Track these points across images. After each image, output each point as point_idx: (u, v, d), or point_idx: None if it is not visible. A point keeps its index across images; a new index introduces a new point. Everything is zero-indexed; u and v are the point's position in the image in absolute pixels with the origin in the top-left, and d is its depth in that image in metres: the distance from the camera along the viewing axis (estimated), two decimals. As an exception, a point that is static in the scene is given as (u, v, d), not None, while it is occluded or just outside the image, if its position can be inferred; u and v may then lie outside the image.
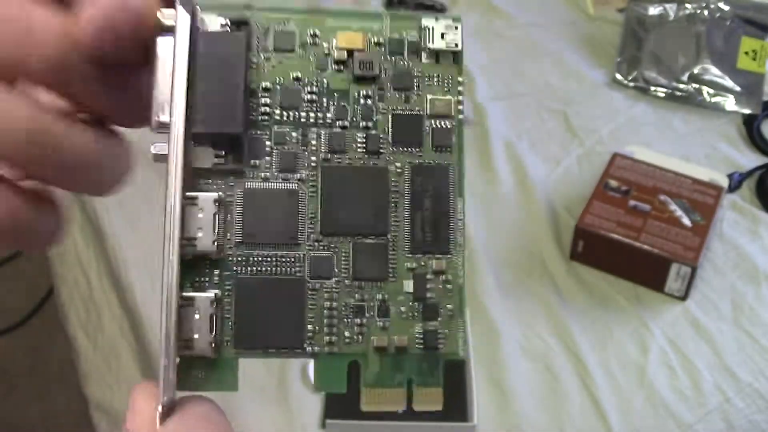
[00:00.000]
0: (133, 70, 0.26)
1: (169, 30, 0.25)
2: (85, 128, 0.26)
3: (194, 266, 0.27)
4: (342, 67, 0.28)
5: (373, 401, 0.28)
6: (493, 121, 0.96)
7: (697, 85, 0.98)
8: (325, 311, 0.27)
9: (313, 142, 0.28)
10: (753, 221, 0.86)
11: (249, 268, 0.27)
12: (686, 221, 0.79)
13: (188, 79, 0.26)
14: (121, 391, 0.80)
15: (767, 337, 0.76)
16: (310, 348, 0.27)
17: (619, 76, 1.01)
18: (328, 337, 0.27)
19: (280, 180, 0.28)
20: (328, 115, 0.28)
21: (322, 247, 0.28)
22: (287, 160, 0.28)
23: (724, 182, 0.84)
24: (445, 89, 0.29)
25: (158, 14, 0.25)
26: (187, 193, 0.26)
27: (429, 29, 0.29)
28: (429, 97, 0.29)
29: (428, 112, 0.28)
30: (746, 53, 1.00)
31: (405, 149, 0.28)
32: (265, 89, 0.28)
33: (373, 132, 0.28)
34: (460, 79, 0.29)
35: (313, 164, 0.28)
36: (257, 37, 0.28)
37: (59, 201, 0.27)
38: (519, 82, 1.02)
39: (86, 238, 0.88)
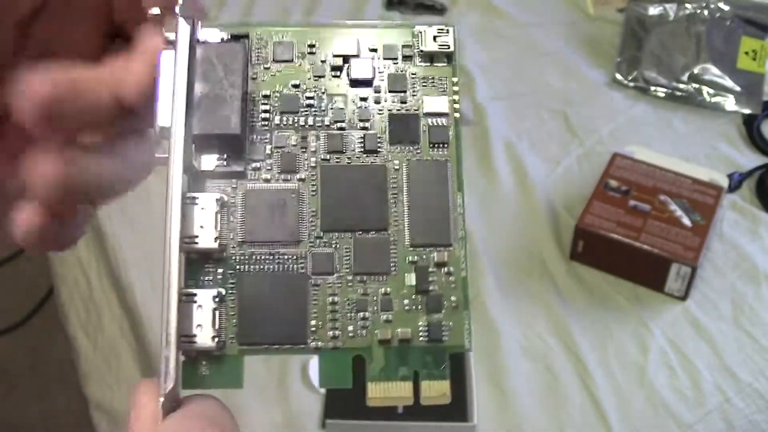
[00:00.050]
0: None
1: (171, 43, 0.27)
2: (112, 154, 0.27)
3: (198, 265, 0.27)
4: (338, 73, 0.29)
5: (379, 395, 0.27)
6: (493, 121, 0.96)
7: (697, 85, 0.98)
8: (328, 306, 0.28)
9: (312, 144, 0.29)
10: (753, 221, 0.86)
11: (252, 266, 0.28)
12: (686, 221, 0.79)
13: (188, 85, 0.26)
14: (121, 391, 0.80)
15: (767, 337, 0.76)
16: (314, 343, 0.27)
17: (619, 76, 1.01)
18: (331, 332, 0.28)
19: (281, 180, 0.28)
20: (326, 118, 0.29)
21: (323, 244, 0.28)
22: (287, 161, 0.28)
23: (724, 182, 0.84)
24: (441, 89, 0.29)
25: (161, 30, 0.26)
26: (189, 194, 0.27)
27: (422, 33, 0.29)
28: (424, 97, 0.29)
29: (424, 111, 0.29)
30: (746, 53, 1.00)
31: (402, 147, 0.29)
32: (265, 96, 0.29)
33: (371, 132, 0.29)
34: (454, 78, 0.30)
35: (312, 164, 0.29)
36: (257, 49, 0.29)
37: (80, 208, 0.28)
38: (519, 82, 1.02)
39: (86, 238, 0.88)
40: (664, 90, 0.99)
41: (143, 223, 0.85)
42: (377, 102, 0.29)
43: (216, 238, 0.27)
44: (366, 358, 0.28)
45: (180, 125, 0.26)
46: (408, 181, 0.29)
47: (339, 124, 0.29)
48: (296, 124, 0.29)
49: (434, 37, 0.29)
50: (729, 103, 0.97)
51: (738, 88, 0.98)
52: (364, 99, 0.29)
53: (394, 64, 0.30)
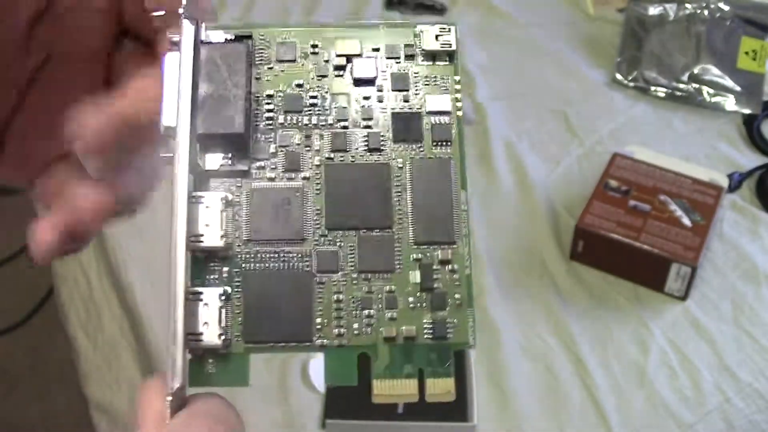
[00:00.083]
0: None
1: (175, 45, 0.27)
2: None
3: (203, 264, 0.28)
4: (342, 72, 0.29)
5: (385, 393, 0.28)
6: (493, 121, 0.96)
7: (697, 85, 0.98)
8: (333, 304, 0.28)
9: (316, 143, 0.29)
10: (753, 221, 0.86)
11: (257, 265, 0.28)
12: (686, 221, 0.79)
13: (192, 85, 0.27)
14: (121, 391, 0.80)
15: (767, 337, 0.76)
16: (319, 341, 0.28)
17: (619, 76, 1.01)
18: (337, 330, 0.28)
19: (286, 179, 0.28)
20: (330, 117, 0.29)
21: (328, 242, 0.28)
22: (292, 160, 0.29)
23: (724, 182, 0.84)
24: (443, 88, 0.30)
25: (166, 31, 0.27)
26: (195, 192, 0.27)
27: (423, 32, 0.30)
28: (427, 95, 0.29)
29: (427, 109, 0.29)
30: (746, 53, 1.00)
31: (406, 146, 0.29)
32: (269, 96, 0.29)
33: (374, 130, 0.29)
34: (456, 77, 0.30)
35: (317, 163, 0.29)
36: (260, 50, 0.29)
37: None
38: (519, 82, 1.02)
39: (86, 238, 0.88)
40: (664, 90, 0.99)
41: (143, 223, 0.85)
42: (380, 101, 0.29)
43: (222, 237, 0.27)
44: (371, 355, 0.28)
45: (186, 125, 0.26)
46: (411, 179, 0.29)
47: (342, 123, 0.29)
48: (300, 124, 0.29)
49: (436, 36, 0.29)
50: (729, 103, 0.97)
51: (738, 88, 0.98)
52: (367, 98, 0.29)
53: (397, 63, 0.30)
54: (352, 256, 0.28)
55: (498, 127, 0.95)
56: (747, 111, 0.97)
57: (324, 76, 0.29)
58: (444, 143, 0.29)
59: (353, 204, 0.28)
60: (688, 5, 1.03)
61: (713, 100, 0.98)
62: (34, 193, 0.31)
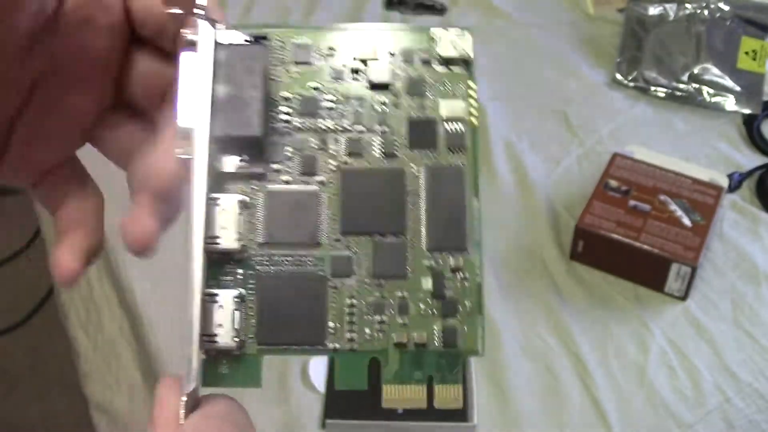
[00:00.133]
0: None
1: (192, 45, 0.27)
2: None
3: (219, 266, 0.28)
4: (358, 77, 0.29)
5: (394, 398, 0.28)
6: (493, 121, 0.96)
7: (697, 85, 0.98)
8: (345, 309, 0.28)
9: (332, 147, 0.29)
10: (753, 221, 0.86)
11: (272, 268, 0.28)
12: (686, 221, 0.79)
13: (210, 87, 0.27)
14: (121, 391, 0.80)
15: (767, 337, 0.76)
16: (331, 344, 0.28)
17: (619, 76, 1.01)
18: (349, 334, 0.28)
19: (301, 182, 0.28)
20: (346, 121, 0.29)
21: (342, 247, 0.28)
22: (307, 163, 0.29)
23: (724, 182, 0.84)
24: (458, 94, 0.30)
25: (182, 31, 0.27)
26: (211, 195, 0.27)
27: (439, 39, 0.30)
28: (442, 102, 0.30)
29: (441, 116, 0.29)
30: (746, 53, 1.00)
31: (420, 152, 0.29)
32: (285, 99, 0.29)
33: (390, 136, 0.29)
34: (471, 84, 0.30)
35: (332, 167, 0.29)
36: (277, 52, 0.29)
37: None
38: (519, 82, 1.02)
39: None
40: (664, 90, 0.99)
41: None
42: (396, 106, 0.29)
43: (237, 239, 0.27)
44: (381, 360, 0.28)
45: (203, 127, 0.26)
46: (426, 186, 0.29)
47: (358, 127, 0.29)
48: (316, 127, 0.29)
49: (452, 42, 0.30)
50: (729, 103, 0.97)
51: (738, 88, 0.98)
52: (383, 102, 0.29)
53: (413, 68, 0.30)
54: (366, 261, 0.28)
55: (498, 127, 0.95)
56: (747, 111, 0.96)
57: (340, 80, 0.29)
58: (458, 150, 0.29)
59: (368, 209, 0.28)
60: (688, 5, 1.03)
61: (713, 100, 0.98)
62: (37, 195, 0.31)
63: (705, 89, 0.98)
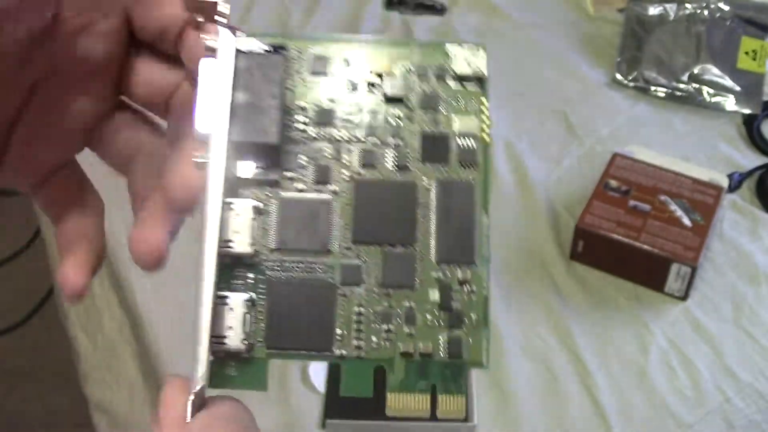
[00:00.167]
0: None
1: (212, 51, 0.27)
2: None
3: (230, 269, 0.28)
4: (373, 89, 0.30)
5: (398, 406, 0.28)
6: (493, 121, 0.95)
7: (697, 85, 0.98)
8: (354, 317, 0.28)
9: (346, 157, 0.29)
10: (753, 221, 0.86)
11: (283, 274, 0.28)
12: (686, 221, 0.79)
13: (229, 94, 0.27)
14: (121, 391, 0.80)
15: (767, 337, 0.76)
16: (338, 351, 0.28)
17: (619, 76, 1.01)
18: (356, 342, 0.28)
19: (314, 191, 0.29)
20: (360, 132, 0.29)
21: (352, 256, 0.29)
22: (321, 172, 0.29)
23: (724, 182, 0.84)
24: (472, 110, 0.30)
25: (202, 37, 0.27)
26: (226, 199, 0.27)
27: (454, 55, 0.30)
28: (455, 117, 0.30)
29: (455, 131, 0.30)
30: (746, 53, 1.00)
31: (433, 166, 0.29)
32: (301, 108, 0.29)
33: (403, 149, 0.29)
34: (484, 101, 0.30)
35: (345, 177, 0.29)
36: (295, 62, 0.30)
37: None
38: (519, 82, 1.02)
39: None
40: (664, 90, 0.99)
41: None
42: (409, 119, 0.30)
43: (250, 244, 0.28)
44: (387, 369, 0.28)
45: (221, 132, 0.27)
46: (437, 199, 0.29)
47: (372, 139, 0.29)
48: (330, 137, 0.29)
49: (466, 59, 0.30)
50: (729, 103, 0.97)
51: (738, 88, 0.98)
52: (397, 116, 0.30)
53: (427, 83, 0.30)
54: (375, 270, 0.29)
55: (498, 128, 0.95)
56: (747, 111, 0.96)
57: (356, 91, 0.30)
58: (470, 166, 0.29)
59: (379, 220, 0.29)
60: (688, 5, 1.03)
61: (713, 100, 0.98)
62: (37, 200, 0.31)
63: (705, 89, 0.98)
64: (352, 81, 0.30)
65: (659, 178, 0.83)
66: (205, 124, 0.27)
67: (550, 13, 1.10)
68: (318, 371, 0.73)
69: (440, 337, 0.28)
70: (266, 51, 0.29)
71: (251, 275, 0.28)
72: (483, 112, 0.30)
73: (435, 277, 0.29)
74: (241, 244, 0.28)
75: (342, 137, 0.29)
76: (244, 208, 0.28)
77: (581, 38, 1.07)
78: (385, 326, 0.28)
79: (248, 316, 0.27)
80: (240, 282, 0.28)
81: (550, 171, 0.91)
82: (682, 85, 0.98)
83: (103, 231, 0.31)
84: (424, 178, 0.29)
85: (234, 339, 0.27)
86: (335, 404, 0.81)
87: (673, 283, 0.78)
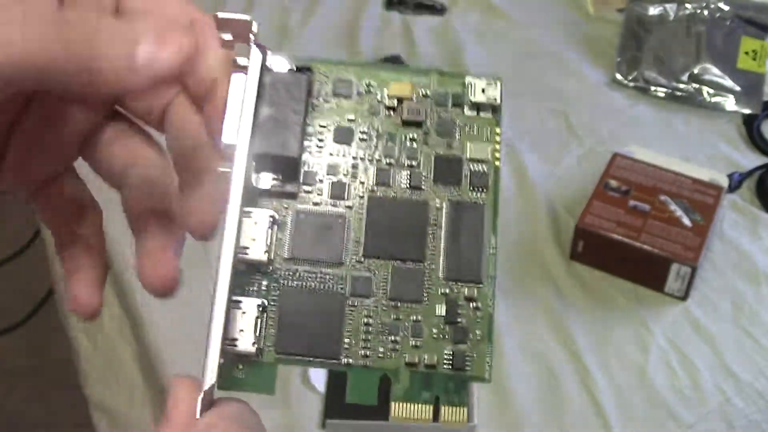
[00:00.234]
0: None
1: (242, 68, 0.29)
2: None
3: (244, 275, 0.29)
4: (392, 113, 0.31)
5: (402, 415, 0.29)
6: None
7: (697, 85, 0.98)
8: (362, 327, 0.29)
9: (362, 175, 0.31)
10: (753, 221, 0.86)
11: (295, 282, 0.30)
12: (686, 221, 0.79)
13: (255, 108, 0.29)
14: (121, 391, 0.80)
15: (767, 337, 0.77)
16: (345, 359, 0.29)
17: (619, 76, 1.01)
18: (363, 351, 0.29)
19: (330, 205, 0.30)
20: (377, 152, 0.31)
21: (363, 268, 0.30)
22: (337, 188, 0.30)
23: (724, 182, 0.84)
24: (484, 138, 0.31)
25: (234, 55, 0.29)
26: (245, 208, 0.29)
27: (472, 85, 0.31)
28: (468, 143, 0.31)
29: (467, 156, 0.31)
30: (746, 53, 1.00)
31: (444, 187, 0.31)
32: (322, 126, 0.31)
33: (417, 170, 0.31)
34: (498, 129, 0.31)
35: (360, 194, 0.30)
36: (319, 83, 0.31)
37: None
38: (519, 82, 1.01)
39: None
40: (664, 90, 0.99)
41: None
42: (425, 143, 0.31)
43: (265, 252, 0.29)
44: (392, 378, 0.29)
45: (244, 144, 0.28)
46: (447, 219, 0.30)
47: (388, 160, 0.31)
48: (348, 155, 0.31)
49: (482, 90, 0.31)
50: (729, 103, 0.97)
51: (738, 88, 0.98)
52: (413, 138, 0.31)
53: (444, 110, 0.31)
54: (384, 283, 0.30)
55: (498, 127, 0.95)
56: (747, 111, 0.97)
57: (375, 114, 0.31)
58: (480, 189, 0.31)
59: (391, 236, 0.30)
60: (688, 5, 1.03)
61: (713, 100, 0.98)
62: (36, 208, 0.31)
63: (705, 89, 0.98)
64: (372, 104, 0.31)
65: (659, 178, 0.83)
66: (232, 136, 0.28)
67: (550, 13, 1.10)
68: (318, 371, 0.73)
69: (445, 350, 0.29)
70: (293, 71, 0.30)
71: (265, 282, 0.29)
72: (495, 140, 0.31)
73: (442, 293, 0.30)
74: (257, 252, 0.29)
75: (359, 156, 0.31)
76: (261, 217, 0.29)
77: (581, 38, 1.07)
78: (391, 337, 0.29)
79: (260, 320, 0.28)
80: (254, 288, 0.29)
81: (550, 171, 0.91)
82: (682, 85, 0.98)
83: (104, 240, 0.32)
84: (436, 198, 0.31)
85: (245, 342, 0.28)
86: (335, 404, 0.81)
87: (673, 283, 0.78)
